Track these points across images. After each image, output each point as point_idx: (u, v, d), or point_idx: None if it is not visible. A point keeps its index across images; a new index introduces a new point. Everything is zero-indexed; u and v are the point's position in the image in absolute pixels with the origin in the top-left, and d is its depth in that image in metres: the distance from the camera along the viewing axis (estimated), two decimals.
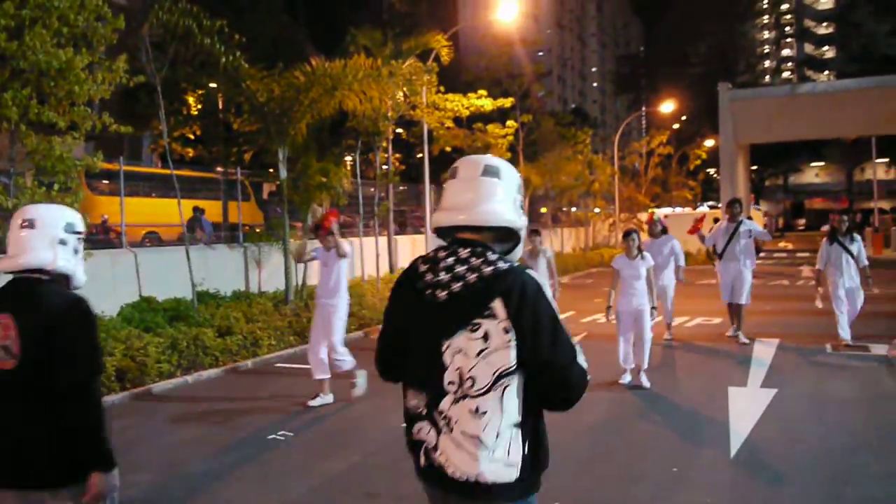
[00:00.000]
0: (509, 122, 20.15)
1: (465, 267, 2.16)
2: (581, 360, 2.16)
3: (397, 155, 18.50)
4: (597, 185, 28.30)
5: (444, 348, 2.14)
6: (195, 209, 15.78)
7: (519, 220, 2.24)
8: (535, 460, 2.16)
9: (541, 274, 9.20)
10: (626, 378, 8.09)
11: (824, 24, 62.97)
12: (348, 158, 16.58)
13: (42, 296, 2.63)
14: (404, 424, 2.28)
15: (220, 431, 6.83)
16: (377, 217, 15.81)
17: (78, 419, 2.53)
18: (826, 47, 63.38)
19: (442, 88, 15.85)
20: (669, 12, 68.10)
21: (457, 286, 2.15)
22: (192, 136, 18.42)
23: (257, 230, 14.74)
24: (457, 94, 17.40)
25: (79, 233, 2.83)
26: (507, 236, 2.27)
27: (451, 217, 2.25)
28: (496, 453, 2.10)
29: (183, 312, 10.69)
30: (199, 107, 18.17)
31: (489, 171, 2.25)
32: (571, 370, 2.13)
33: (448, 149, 18.69)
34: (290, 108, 12.25)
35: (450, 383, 2.14)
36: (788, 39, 68.60)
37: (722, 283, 10.50)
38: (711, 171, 46.80)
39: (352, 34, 14.35)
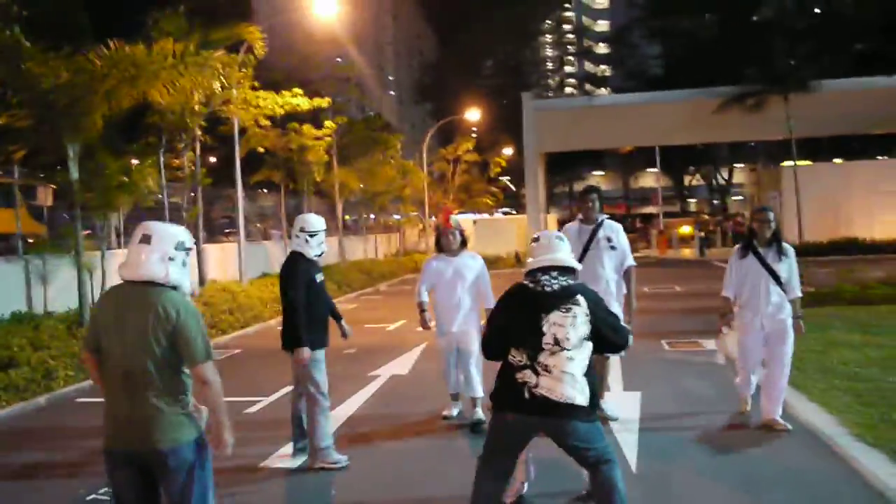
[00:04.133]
0: (327, 123, 19.19)
1: (558, 280, 3.82)
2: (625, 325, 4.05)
3: (211, 158, 16.80)
4: (408, 191, 28.10)
5: (543, 322, 3.67)
6: None
7: (574, 263, 3.99)
8: (592, 396, 3.69)
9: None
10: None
11: (602, 44, 68.37)
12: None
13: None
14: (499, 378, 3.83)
15: (21, 494, 5.38)
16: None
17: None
18: (603, 66, 68.85)
19: (256, 84, 14.60)
20: (462, 25, 70.34)
21: (557, 286, 3.78)
22: None
23: (33, 241, 12.52)
24: (269, 92, 16.17)
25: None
26: (570, 272, 3.92)
27: (545, 261, 3.91)
28: (580, 386, 3.63)
29: None
30: None
31: (559, 238, 4.05)
32: (623, 334, 3.91)
33: (261, 149, 17.37)
34: (82, 97, 10.51)
35: (547, 343, 3.65)
36: (570, 57, 73.47)
37: None
38: (505, 178, 48.80)
39: (154, 18, 12.71)
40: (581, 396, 3.63)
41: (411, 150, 39.88)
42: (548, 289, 3.76)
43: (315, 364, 5.64)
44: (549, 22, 71.31)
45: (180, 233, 3.38)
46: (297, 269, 5.69)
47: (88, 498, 5.16)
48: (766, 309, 5.97)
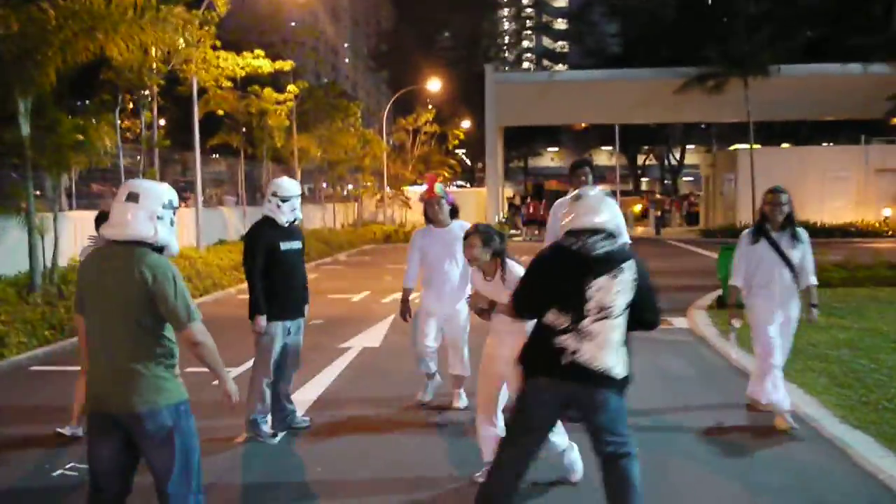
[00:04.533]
0: (290, 87, 18.59)
1: (603, 243, 3.49)
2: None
3: (161, 121, 16.09)
4: (368, 161, 27.65)
5: (588, 286, 3.41)
6: None
7: (624, 234, 3.90)
8: (629, 367, 3.53)
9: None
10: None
11: (561, 20, 68.28)
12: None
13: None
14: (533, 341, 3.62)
15: None
16: None
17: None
18: (561, 42, 68.86)
19: (218, 44, 14.00)
20: None
21: (603, 251, 3.46)
22: None
23: None
24: (230, 53, 15.54)
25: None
26: (611, 236, 3.55)
27: (590, 222, 3.53)
28: (621, 355, 3.48)
29: None
30: None
31: (608, 197, 3.66)
32: (658, 309, 3.64)
33: (220, 112, 16.75)
34: (34, 49, 9.90)
35: (589, 309, 3.41)
36: (528, 32, 73.16)
37: None
38: (460, 151, 48.55)
39: None
40: (620, 367, 3.46)
41: (366, 120, 39.32)
42: (594, 253, 3.43)
43: (266, 337, 5.40)
44: None
45: (168, 191, 3.27)
46: (258, 235, 5.49)
47: (55, 473, 4.85)
48: (780, 296, 5.56)
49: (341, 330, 9.84)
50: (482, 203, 30.19)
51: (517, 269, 4.30)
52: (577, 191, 3.85)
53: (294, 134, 20.97)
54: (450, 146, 40.17)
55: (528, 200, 32.64)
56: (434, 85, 32.02)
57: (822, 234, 25.03)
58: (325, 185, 29.37)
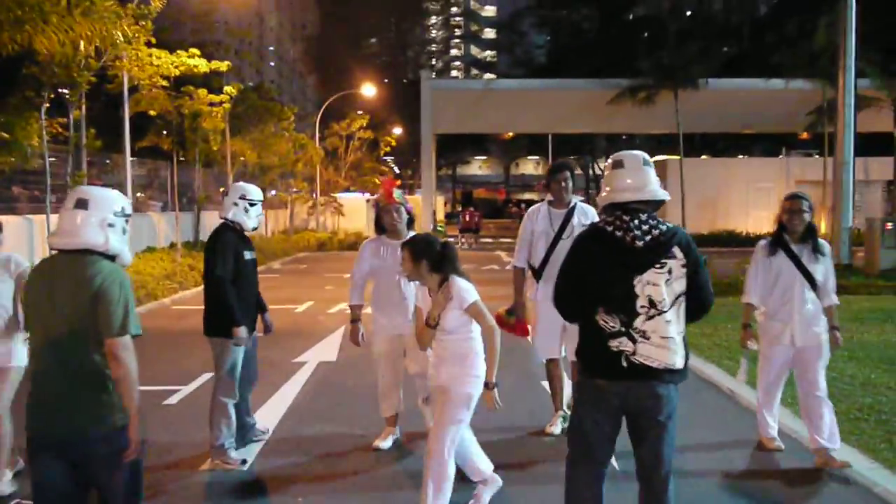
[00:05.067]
0: (227, 89, 17.86)
1: (649, 225, 3.20)
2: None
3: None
4: (300, 166, 26.97)
5: (635, 282, 3.16)
6: None
7: (665, 195, 3.32)
8: (686, 356, 3.24)
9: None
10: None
11: (489, 29, 68.96)
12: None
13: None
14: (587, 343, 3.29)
15: None
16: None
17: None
18: (489, 52, 69.54)
19: (153, 41, 13.29)
20: (349, 1, 68.77)
21: (649, 237, 3.18)
22: None
23: None
24: (163, 51, 14.80)
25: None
26: (657, 206, 3.31)
27: (633, 195, 3.25)
28: (679, 348, 3.20)
29: None
30: None
31: (647, 163, 3.35)
32: (711, 292, 3.32)
33: (152, 112, 15.92)
34: None
35: (642, 307, 3.16)
36: (458, 41, 73.55)
37: (540, 325, 5.65)
38: (388, 159, 48.24)
39: None
40: (681, 359, 3.19)
41: (296, 125, 38.43)
42: (639, 242, 3.13)
43: (235, 350, 5.03)
44: (436, 4, 71.03)
45: (119, 197, 3.15)
46: (226, 241, 5.08)
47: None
48: (799, 319, 4.94)
49: (292, 343, 9.39)
50: (417, 211, 29.93)
51: (462, 286, 3.88)
52: (616, 155, 3.43)
53: (227, 137, 20.22)
54: (381, 153, 39.81)
55: (462, 209, 32.59)
56: (368, 91, 31.64)
57: (747, 242, 25.88)
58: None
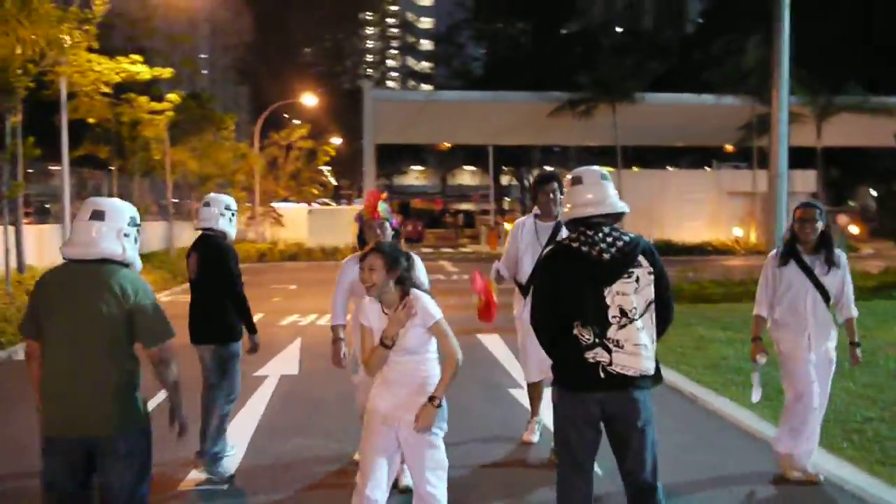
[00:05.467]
0: (170, 96, 17.41)
1: (612, 237, 3.30)
2: None
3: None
4: (240, 176, 26.46)
5: (605, 293, 3.24)
6: None
7: (624, 207, 3.43)
8: (656, 360, 3.34)
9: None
10: None
11: (426, 41, 69.29)
12: None
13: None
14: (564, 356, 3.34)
15: None
16: (6, 201, 12.05)
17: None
18: (426, 63, 69.85)
19: (95, 45, 12.86)
20: (283, 8, 68.10)
21: (614, 249, 3.27)
22: None
23: None
24: (103, 57, 14.35)
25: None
26: (617, 218, 3.43)
27: (594, 209, 3.37)
28: (651, 354, 3.29)
29: None
30: None
31: (605, 177, 3.46)
32: (672, 298, 3.45)
33: (91, 120, 15.39)
34: None
35: (613, 317, 3.24)
36: (395, 51, 73.65)
37: (531, 345, 5.09)
38: (325, 168, 47.83)
39: None
40: (654, 365, 3.30)
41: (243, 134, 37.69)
42: (606, 255, 3.24)
43: (237, 359, 5.22)
44: (373, 14, 71.03)
45: (131, 208, 3.30)
46: (234, 252, 5.23)
47: None
48: (812, 332, 4.71)
49: (249, 357, 9.17)
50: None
51: (427, 302, 3.52)
52: (574, 172, 3.52)
53: (167, 146, 19.70)
54: (319, 163, 39.42)
55: (404, 219, 32.56)
56: (309, 100, 31.29)
57: (681, 252, 26.69)
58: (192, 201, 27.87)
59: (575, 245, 3.32)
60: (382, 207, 4.88)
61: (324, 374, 8.22)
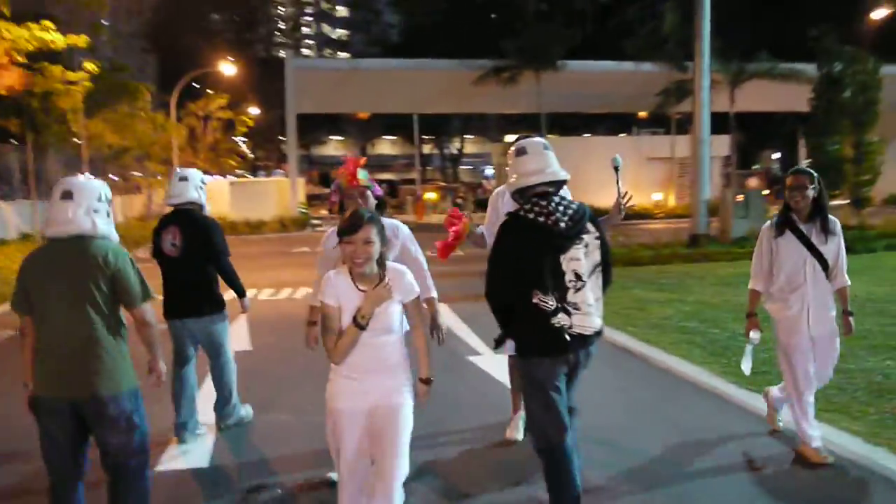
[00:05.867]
0: (88, 66, 16.45)
1: (563, 206, 3.49)
2: None
3: None
4: (157, 149, 25.45)
5: (562, 260, 3.43)
6: None
7: (566, 175, 3.62)
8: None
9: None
10: None
11: (342, 7, 67.86)
12: None
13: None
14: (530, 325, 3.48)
15: None
16: None
17: None
18: (342, 31, 68.52)
19: (7, 12, 12.05)
20: None
21: (567, 217, 3.45)
22: None
23: None
24: (10, 23, 13.45)
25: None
26: (559, 186, 3.62)
27: (539, 177, 3.55)
28: (600, 312, 3.56)
29: None
30: None
31: (547, 147, 3.66)
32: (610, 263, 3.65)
33: (2, 91, 14.46)
34: None
35: (570, 282, 3.45)
36: (309, 19, 71.89)
37: None
38: (239, 140, 46.62)
39: None
40: (600, 321, 3.60)
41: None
42: (561, 224, 3.41)
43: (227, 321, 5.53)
44: None
45: (100, 185, 3.52)
46: (218, 224, 5.46)
47: None
48: (812, 304, 4.57)
49: None
50: (284, 193, 29.13)
51: (409, 274, 3.30)
52: (518, 144, 3.68)
53: (82, 118, 18.74)
54: (237, 133, 38.34)
55: (331, 190, 31.93)
56: (228, 69, 30.19)
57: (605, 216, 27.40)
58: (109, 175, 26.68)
59: (531, 216, 3.47)
60: (363, 175, 4.38)
61: (278, 349, 8.20)
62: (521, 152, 3.62)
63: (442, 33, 42.15)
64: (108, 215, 3.47)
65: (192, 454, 5.04)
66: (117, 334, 3.39)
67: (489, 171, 54.55)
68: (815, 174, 4.65)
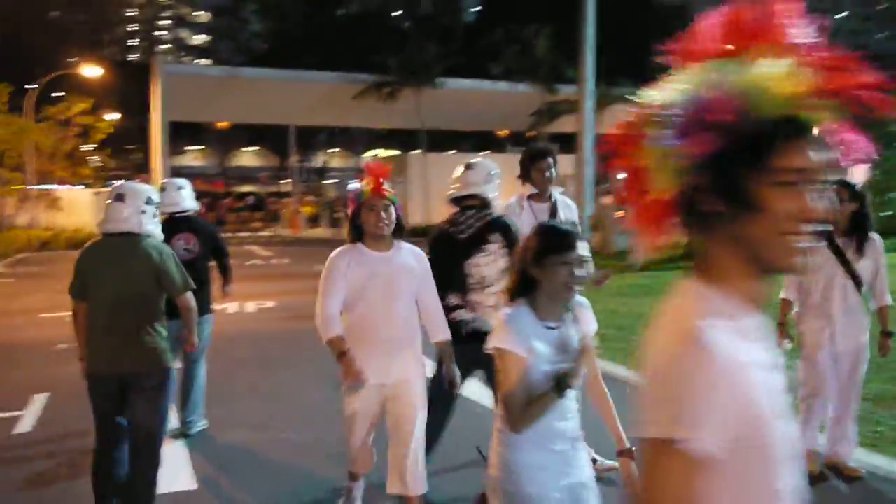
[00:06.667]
0: None
1: (473, 220, 4.10)
2: None
3: None
4: (14, 154, 23.38)
5: (465, 266, 4.06)
6: None
7: (491, 194, 4.19)
8: None
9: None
10: None
11: (203, 13, 65.17)
12: None
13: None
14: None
15: None
16: None
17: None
18: (203, 36, 65.78)
19: None
20: None
21: (471, 230, 4.08)
22: None
23: None
24: None
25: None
26: (483, 201, 4.15)
27: (455, 191, 4.20)
28: (493, 314, 3.63)
29: None
30: None
31: (472, 167, 4.22)
32: None
33: None
34: None
35: (474, 283, 4.07)
36: (168, 23, 68.49)
37: None
38: (92, 147, 43.84)
39: None
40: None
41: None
42: (463, 235, 4.08)
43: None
44: None
45: (148, 189, 4.03)
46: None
47: None
48: (839, 319, 4.37)
49: None
50: None
51: (587, 304, 2.90)
52: (468, 163, 4.27)
53: None
54: (95, 140, 35.96)
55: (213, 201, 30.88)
56: (91, 72, 28.32)
57: None
58: None
59: (445, 227, 4.19)
60: (388, 187, 3.78)
61: (215, 360, 7.81)
62: (468, 167, 4.22)
63: (309, 45, 41.82)
64: (154, 216, 3.99)
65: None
66: (158, 319, 3.89)
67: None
68: (857, 186, 4.38)
